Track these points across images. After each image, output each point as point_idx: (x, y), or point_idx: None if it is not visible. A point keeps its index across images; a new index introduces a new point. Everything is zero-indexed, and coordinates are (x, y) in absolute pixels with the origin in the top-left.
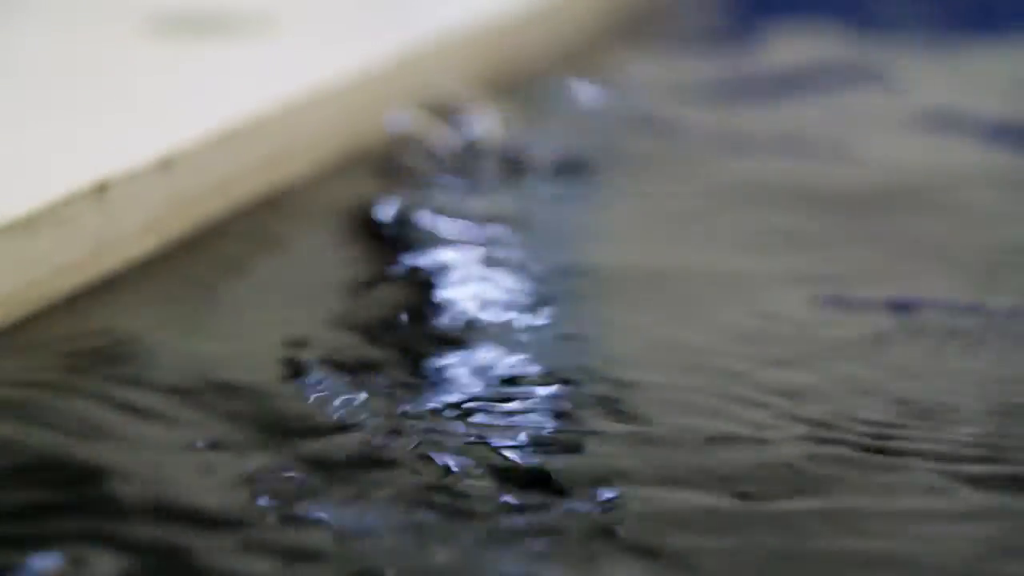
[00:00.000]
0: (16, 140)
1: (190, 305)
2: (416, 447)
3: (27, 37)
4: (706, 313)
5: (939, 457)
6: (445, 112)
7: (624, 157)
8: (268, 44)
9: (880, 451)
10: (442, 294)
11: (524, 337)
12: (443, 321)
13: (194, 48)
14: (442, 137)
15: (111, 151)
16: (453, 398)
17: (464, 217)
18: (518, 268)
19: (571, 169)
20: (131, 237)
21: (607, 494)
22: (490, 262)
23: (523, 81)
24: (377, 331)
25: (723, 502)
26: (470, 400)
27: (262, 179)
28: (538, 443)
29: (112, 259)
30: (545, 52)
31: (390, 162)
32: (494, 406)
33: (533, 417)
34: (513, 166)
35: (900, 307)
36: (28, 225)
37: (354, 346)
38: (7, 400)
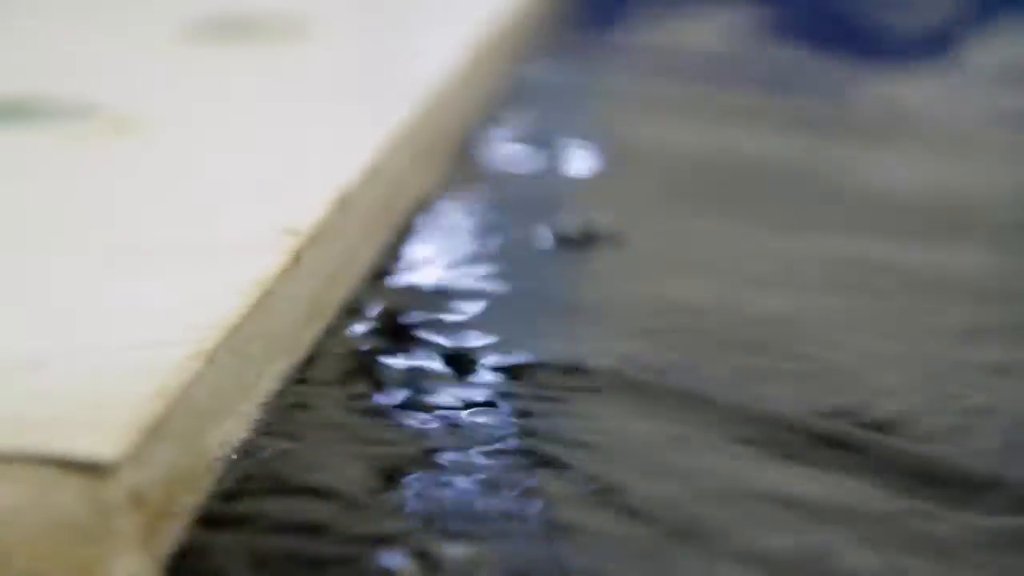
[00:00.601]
0: (252, 156)
1: None
2: None
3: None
4: None
5: None
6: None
7: None
8: (336, 48)
9: None
10: None
11: None
12: None
13: (288, 52)
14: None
15: (325, 160)
16: None
17: None
18: None
19: None
20: (360, 245)
21: None
22: None
23: None
24: None
25: None
26: None
27: (424, 178)
28: None
29: (356, 267)
30: None
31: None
32: None
33: None
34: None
35: None
36: (312, 242)
37: None
38: None
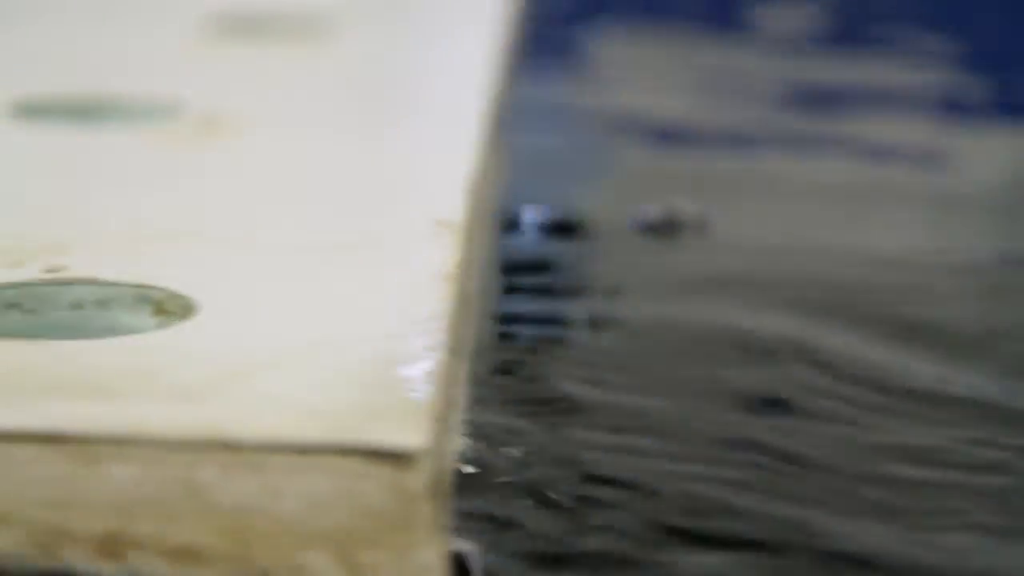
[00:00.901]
0: (356, 152)
1: None
2: None
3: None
4: None
5: None
6: None
7: None
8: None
9: None
10: None
11: None
12: None
13: (333, 50)
14: None
15: (431, 154)
16: None
17: None
18: None
19: None
20: (480, 237)
21: None
22: None
23: None
24: None
25: None
26: None
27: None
28: None
29: (480, 260)
30: None
31: None
32: None
33: None
34: None
35: None
36: (467, 234)
37: None
38: None
